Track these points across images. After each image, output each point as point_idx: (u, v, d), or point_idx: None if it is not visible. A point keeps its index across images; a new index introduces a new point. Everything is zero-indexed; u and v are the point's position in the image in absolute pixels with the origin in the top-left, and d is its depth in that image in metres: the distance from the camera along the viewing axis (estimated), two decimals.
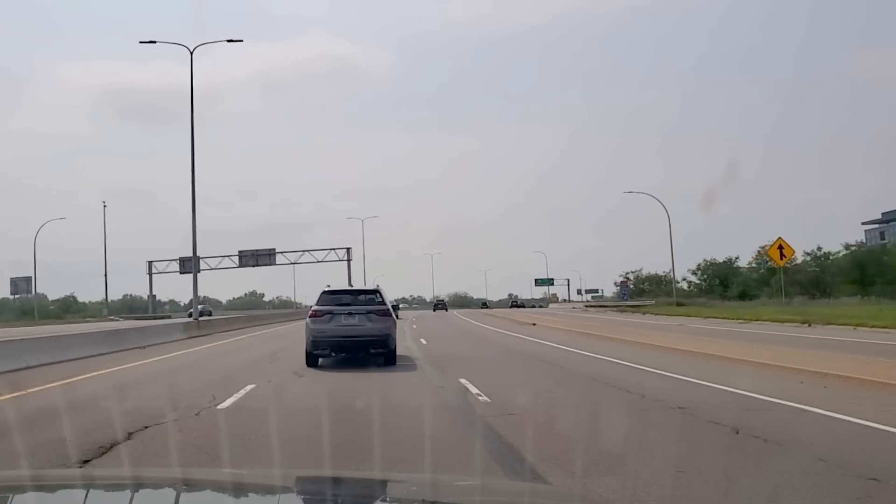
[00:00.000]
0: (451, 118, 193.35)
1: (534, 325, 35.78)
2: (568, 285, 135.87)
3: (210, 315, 73.75)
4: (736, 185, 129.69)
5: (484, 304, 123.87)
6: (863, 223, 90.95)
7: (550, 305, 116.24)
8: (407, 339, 25.64)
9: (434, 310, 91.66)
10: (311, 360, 15.46)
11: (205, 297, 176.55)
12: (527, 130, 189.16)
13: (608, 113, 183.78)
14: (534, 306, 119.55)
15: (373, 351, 15.43)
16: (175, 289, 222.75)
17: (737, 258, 72.54)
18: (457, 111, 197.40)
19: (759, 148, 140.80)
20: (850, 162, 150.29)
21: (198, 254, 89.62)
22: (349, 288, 18.78)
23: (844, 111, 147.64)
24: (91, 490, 2.63)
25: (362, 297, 16.44)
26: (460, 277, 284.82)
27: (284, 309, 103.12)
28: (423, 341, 24.29)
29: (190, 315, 73.59)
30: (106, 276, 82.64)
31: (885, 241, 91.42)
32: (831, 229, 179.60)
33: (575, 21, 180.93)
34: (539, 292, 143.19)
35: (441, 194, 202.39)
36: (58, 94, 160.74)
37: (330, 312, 15.51)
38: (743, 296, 64.83)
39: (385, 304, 16.11)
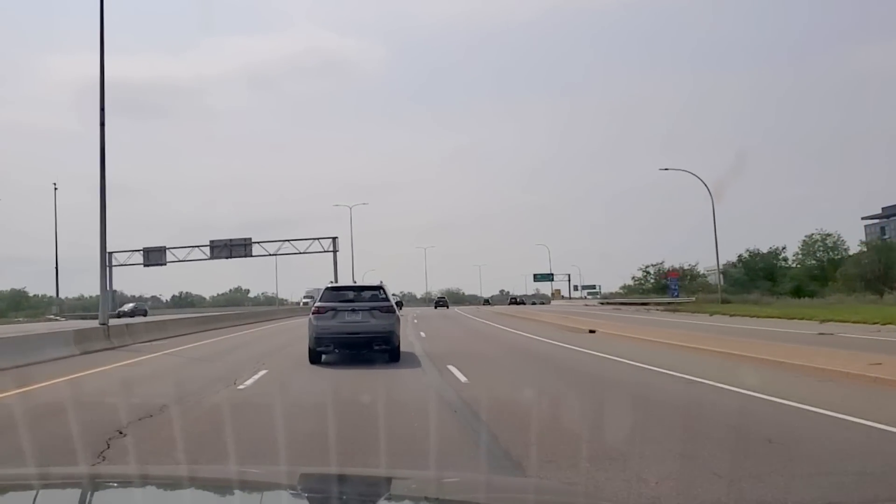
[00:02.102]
0: (442, 112, 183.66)
1: (592, 332, 24.43)
2: (569, 280, 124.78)
3: (144, 315, 61.57)
4: (734, 181, 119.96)
5: (486, 301, 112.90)
6: (862, 218, 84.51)
7: (553, 302, 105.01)
8: (426, 368, 14.16)
9: (435, 307, 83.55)
10: (315, 357, 14.85)
11: (186, 292, 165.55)
12: (519, 126, 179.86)
13: (603, 109, 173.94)
14: (534, 303, 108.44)
15: (376, 348, 14.83)
16: (150, 282, 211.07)
17: (783, 248, 61.41)
18: (448, 105, 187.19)
19: (758, 143, 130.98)
20: (848, 157, 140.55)
21: (165, 245, 77.55)
22: (353, 284, 18.47)
23: (842, 106, 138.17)
24: (95, 488, 2.50)
25: (366, 293, 15.67)
26: (452, 273, 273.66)
27: (264, 307, 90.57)
28: (460, 376, 12.58)
29: (132, 313, 61.41)
30: (57, 268, 70.49)
31: (886, 236, 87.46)
32: (830, 225, 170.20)
33: (567, 15, 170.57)
34: (534, 288, 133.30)
35: (431, 190, 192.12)
36: (41, 87, 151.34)
37: (333, 309, 14.93)
38: (798, 292, 53.60)
39: (389, 301, 15.48)
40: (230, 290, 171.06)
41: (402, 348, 15.88)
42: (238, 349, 19.83)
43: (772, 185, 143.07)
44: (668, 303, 52.14)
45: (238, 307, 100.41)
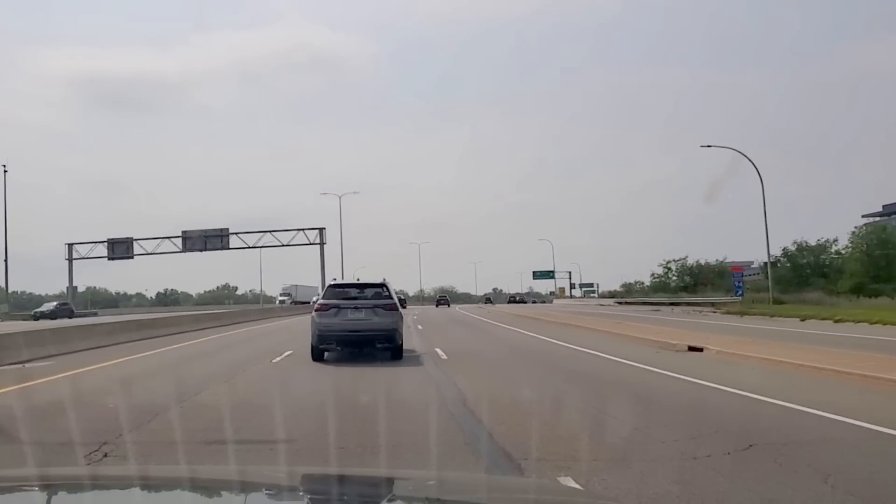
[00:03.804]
0: (435, 108, 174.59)
1: (696, 350, 15.78)
2: (569, 278, 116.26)
3: (70, 316, 51.75)
4: (730, 179, 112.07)
5: (488, 300, 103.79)
6: (863, 216, 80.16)
7: (557, 301, 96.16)
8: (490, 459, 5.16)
9: (437, 305, 76.03)
10: (317, 355, 14.26)
11: (171, 289, 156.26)
12: (513, 123, 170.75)
13: (599, 107, 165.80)
14: (534, 302, 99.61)
15: (379, 346, 14.30)
16: (136, 278, 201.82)
17: (835, 240, 52.80)
18: (441, 101, 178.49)
19: (753, 141, 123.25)
20: (847, 155, 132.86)
21: (133, 236, 68.11)
22: (356, 282, 17.25)
23: (840, 103, 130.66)
24: (95, 489, 2.39)
25: (369, 290, 15.22)
26: (444, 271, 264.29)
27: (238, 306, 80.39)
28: None
29: (53, 314, 50.90)
30: (6, 262, 61.09)
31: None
32: (829, 223, 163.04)
33: (564, 9, 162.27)
34: (528, 286, 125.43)
35: (424, 187, 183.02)
36: (28, 81, 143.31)
37: (336, 306, 14.36)
38: (859, 289, 45.03)
39: (392, 298, 14.94)
40: (217, 288, 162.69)
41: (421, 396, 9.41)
42: (130, 385, 10.88)
43: (769, 183, 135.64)
44: (719, 303, 43.50)
45: (217, 306, 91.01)
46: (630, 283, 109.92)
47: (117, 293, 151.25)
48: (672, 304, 51.74)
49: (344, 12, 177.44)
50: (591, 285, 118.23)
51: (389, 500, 2.33)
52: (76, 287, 68.67)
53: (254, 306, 71.36)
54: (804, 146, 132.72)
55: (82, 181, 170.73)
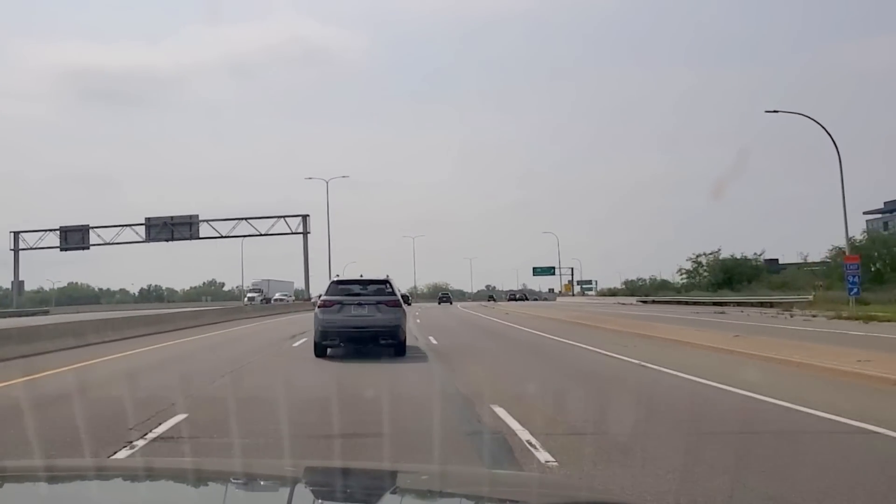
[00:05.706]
0: (428, 104, 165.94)
1: None
2: (572, 275, 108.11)
3: None
4: (734, 178, 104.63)
5: (490, 297, 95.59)
6: (864, 213, 77.44)
7: (560, 300, 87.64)
8: None
9: (439, 303, 69.79)
10: (320, 351, 14.08)
11: (155, 285, 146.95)
12: (507, 120, 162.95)
13: (596, 104, 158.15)
14: (535, 299, 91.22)
15: (382, 342, 14.00)
16: (125, 273, 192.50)
17: None
18: (435, 97, 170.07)
19: (751, 140, 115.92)
20: (846, 153, 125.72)
21: (89, 223, 58.42)
22: (359, 278, 16.05)
23: (839, 101, 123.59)
24: (101, 482, 2.33)
25: (372, 287, 14.81)
26: (436, 268, 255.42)
27: (202, 305, 68.71)
28: None
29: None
30: None
31: (890, 231, 77.93)
32: (829, 222, 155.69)
33: (559, 4, 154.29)
34: (528, 283, 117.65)
35: (416, 184, 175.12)
36: (16, 75, 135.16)
37: (339, 303, 14.18)
38: None
39: (395, 295, 14.66)
40: (203, 283, 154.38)
41: None
42: None
43: (767, 181, 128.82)
44: (783, 302, 34.88)
45: (196, 303, 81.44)
46: (632, 281, 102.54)
47: (100, 289, 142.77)
48: (715, 303, 43.15)
49: (335, 6, 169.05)
50: (589, 282, 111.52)
51: (392, 493, 2.25)
52: (22, 282, 59.07)
53: (222, 305, 61.05)
54: (802, 144, 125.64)
55: (68, 176, 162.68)
